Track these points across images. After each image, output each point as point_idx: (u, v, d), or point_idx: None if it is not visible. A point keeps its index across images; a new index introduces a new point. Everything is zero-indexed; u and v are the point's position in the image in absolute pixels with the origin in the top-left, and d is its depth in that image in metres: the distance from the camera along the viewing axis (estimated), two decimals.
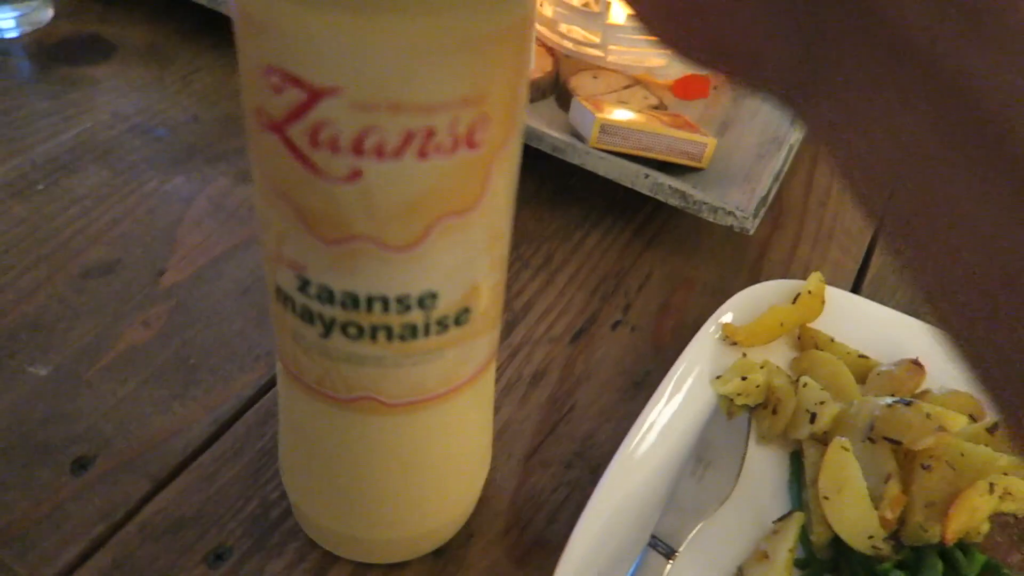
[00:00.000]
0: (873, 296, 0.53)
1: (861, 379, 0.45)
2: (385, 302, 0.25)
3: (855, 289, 0.55)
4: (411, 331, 0.26)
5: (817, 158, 0.66)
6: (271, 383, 0.43)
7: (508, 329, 0.48)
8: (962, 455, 0.37)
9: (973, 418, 0.41)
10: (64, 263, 0.47)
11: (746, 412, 0.43)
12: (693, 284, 0.53)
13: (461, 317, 0.26)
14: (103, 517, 0.36)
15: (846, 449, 0.36)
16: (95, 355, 0.43)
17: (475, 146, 0.22)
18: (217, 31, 0.67)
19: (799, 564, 0.37)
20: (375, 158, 0.21)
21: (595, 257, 0.54)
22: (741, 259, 0.55)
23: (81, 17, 0.68)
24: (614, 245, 0.55)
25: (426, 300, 0.25)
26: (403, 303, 0.25)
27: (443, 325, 0.26)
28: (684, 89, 0.68)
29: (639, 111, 0.60)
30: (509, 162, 0.24)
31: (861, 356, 0.45)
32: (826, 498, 0.36)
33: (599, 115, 0.55)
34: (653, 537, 0.36)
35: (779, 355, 0.46)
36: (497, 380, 0.45)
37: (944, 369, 0.46)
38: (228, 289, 0.47)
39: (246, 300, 0.47)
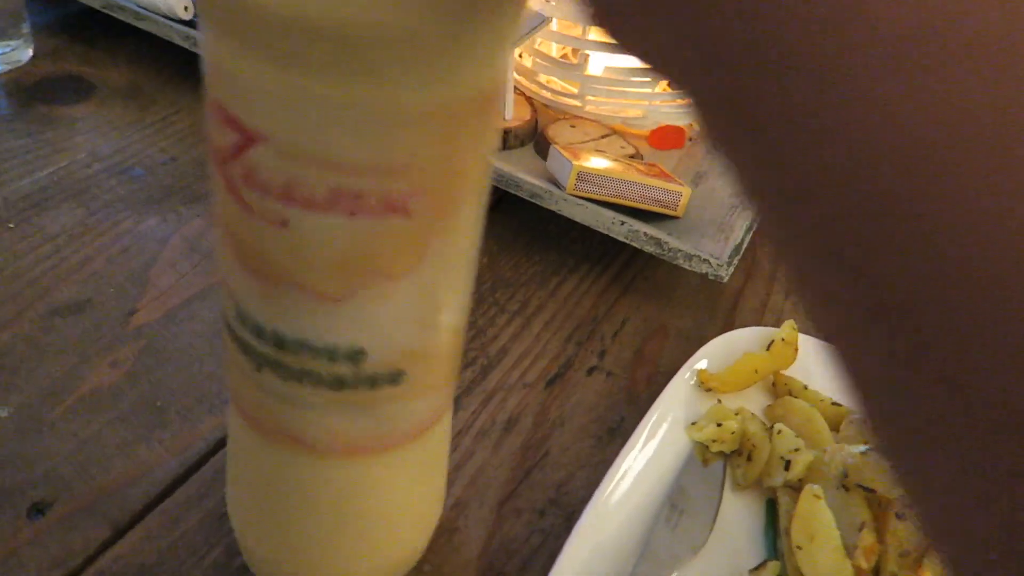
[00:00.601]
0: None
1: (835, 426, 0.45)
2: (312, 349, 0.24)
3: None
4: (339, 382, 0.25)
5: None
6: None
7: (483, 374, 0.47)
8: None
9: None
10: (32, 301, 0.46)
11: (721, 459, 0.42)
12: (668, 331, 0.53)
13: (396, 378, 0.25)
14: (59, 564, 0.35)
15: (818, 497, 0.36)
16: (60, 396, 0.42)
17: (408, 214, 0.21)
18: (197, 74, 0.68)
19: None
20: (303, 208, 0.21)
21: (571, 303, 0.54)
22: (715, 307, 0.56)
23: (61, 57, 0.68)
24: (590, 291, 0.55)
25: (355, 355, 0.24)
26: (330, 354, 0.24)
27: (374, 382, 0.25)
28: (660, 139, 0.69)
29: (616, 160, 0.61)
30: (458, 233, 0.24)
31: (835, 403, 0.45)
32: (799, 548, 0.35)
33: (576, 163, 0.56)
34: None
35: (754, 402, 0.46)
36: (470, 426, 0.44)
37: None
38: (199, 331, 0.46)
39: (217, 342, 0.46)
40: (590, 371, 0.49)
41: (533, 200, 0.55)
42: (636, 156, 0.65)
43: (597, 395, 0.48)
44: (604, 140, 0.66)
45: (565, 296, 0.54)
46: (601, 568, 0.36)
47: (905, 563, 0.35)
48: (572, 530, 0.36)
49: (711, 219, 0.57)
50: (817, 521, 0.36)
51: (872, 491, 0.37)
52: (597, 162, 0.59)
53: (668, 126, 0.69)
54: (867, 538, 0.36)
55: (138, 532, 0.37)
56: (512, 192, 0.55)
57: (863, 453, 0.39)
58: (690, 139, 0.70)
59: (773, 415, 0.45)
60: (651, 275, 0.57)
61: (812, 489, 0.37)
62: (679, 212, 0.58)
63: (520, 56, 0.68)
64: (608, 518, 0.38)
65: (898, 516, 0.37)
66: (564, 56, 0.66)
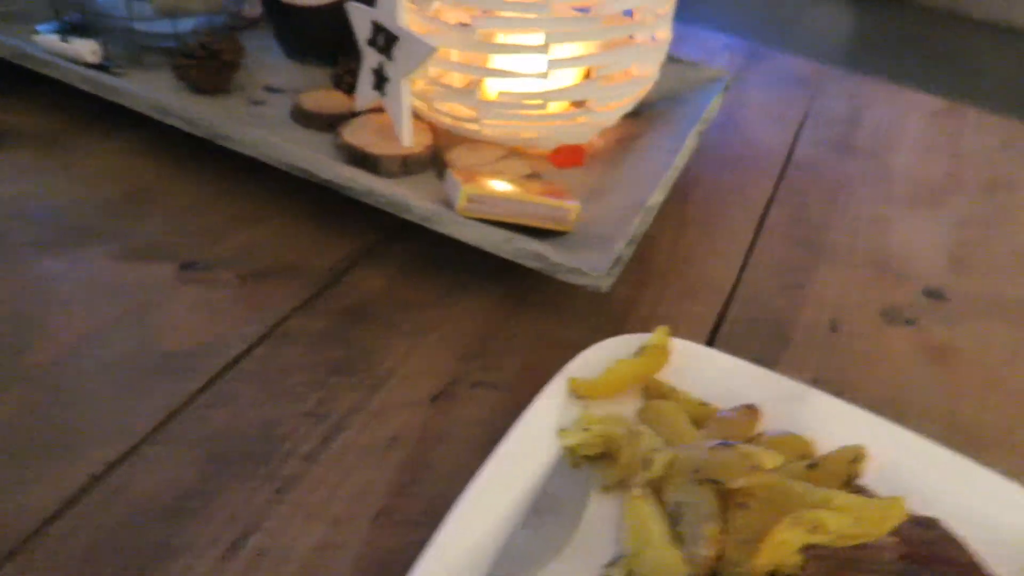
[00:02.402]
0: (727, 346, 0.56)
1: (702, 425, 0.47)
2: None
3: (710, 341, 0.58)
4: None
5: (682, 221, 0.70)
6: (123, 458, 0.43)
7: (369, 394, 0.49)
8: (777, 492, 0.39)
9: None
10: None
11: (589, 463, 0.44)
12: (557, 344, 0.55)
13: None
14: None
15: (639, 498, 0.38)
16: None
17: None
18: (105, 118, 0.70)
19: None
20: None
21: (463, 322, 0.56)
22: (606, 318, 0.58)
23: None
24: (482, 309, 0.57)
25: None
26: None
27: None
28: (560, 158, 0.72)
29: (512, 180, 0.64)
30: None
31: (702, 403, 0.48)
32: (629, 549, 0.37)
33: (465, 185, 0.58)
34: None
35: (627, 406, 0.48)
36: (354, 443, 0.46)
37: (779, 414, 0.48)
38: (90, 369, 0.48)
39: (107, 378, 0.47)
40: (475, 386, 0.51)
41: (424, 223, 0.57)
42: (534, 176, 0.67)
43: (481, 409, 0.50)
44: (502, 162, 0.69)
45: (457, 315, 0.56)
46: (460, 570, 0.37)
47: (745, 550, 0.37)
48: (432, 536, 0.38)
49: (599, 233, 0.60)
50: (643, 520, 0.37)
51: (718, 483, 0.40)
52: (489, 183, 0.61)
53: (568, 146, 0.72)
54: (711, 528, 0.38)
55: (16, 566, 0.38)
56: (402, 216, 0.57)
57: (712, 448, 0.41)
58: (591, 156, 0.73)
59: (643, 418, 0.47)
60: (543, 290, 0.60)
61: (634, 491, 0.38)
62: (570, 228, 0.60)
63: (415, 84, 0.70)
64: (472, 523, 0.39)
65: (740, 505, 0.39)
66: (469, 85, 0.69)
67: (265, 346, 0.51)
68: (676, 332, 0.51)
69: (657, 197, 0.63)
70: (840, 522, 0.38)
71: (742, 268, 0.66)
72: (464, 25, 0.64)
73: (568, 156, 0.72)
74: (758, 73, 1.03)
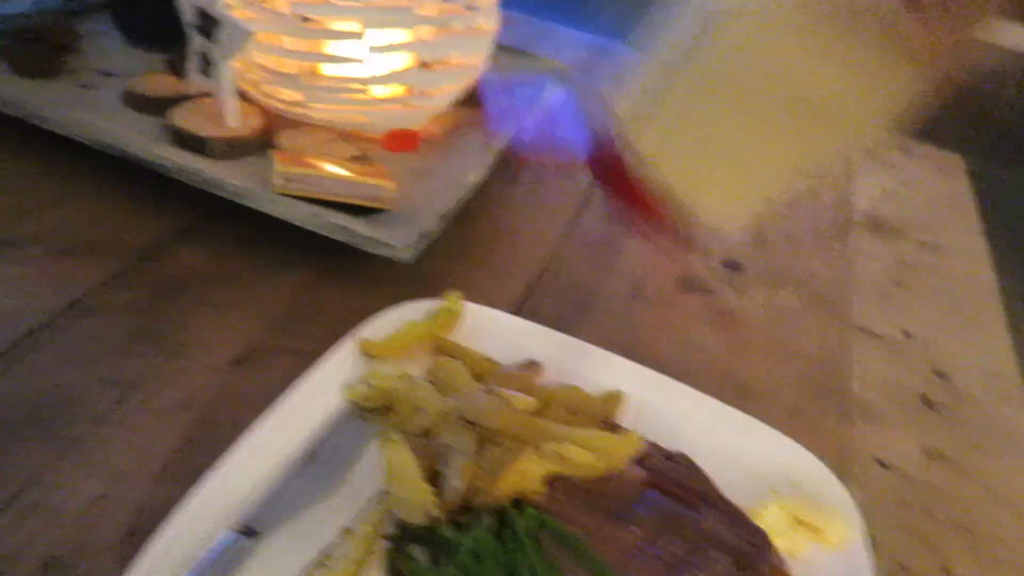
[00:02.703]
0: (533, 315, 0.60)
1: (487, 380, 0.50)
2: None
3: (518, 310, 0.61)
4: None
5: (506, 200, 0.74)
6: None
7: (168, 360, 0.51)
8: (528, 430, 0.43)
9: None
10: None
11: (373, 415, 0.47)
12: (367, 313, 0.58)
13: None
14: None
15: (393, 440, 0.41)
16: None
17: None
18: None
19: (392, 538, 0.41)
20: None
21: (276, 294, 0.58)
22: (417, 290, 0.61)
23: None
24: (296, 283, 0.59)
25: None
26: None
27: None
28: (393, 143, 0.74)
29: (336, 162, 0.66)
30: None
31: (488, 360, 0.51)
32: (387, 492, 0.40)
33: (280, 164, 0.60)
34: (239, 523, 0.39)
35: (420, 366, 0.51)
36: (147, 405, 0.48)
37: (564, 370, 0.52)
38: None
39: None
40: (280, 352, 0.53)
41: (236, 200, 0.59)
42: (362, 158, 0.70)
43: (283, 373, 0.52)
44: (331, 144, 0.71)
45: (272, 289, 0.58)
46: (222, 511, 0.40)
47: (490, 480, 0.41)
48: (200, 480, 0.40)
49: (415, 211, 0.63)
50: (398, 463, 0.41)
51: (477, 424, 0.43)
52: (310, 164, 0.63)
53: (400, 130, 0.75)
54: (466, 464, 0.42)
55: None
56: (218, 194, 0.59)
57: (476, 396, 0.44)
58: (426, 141, 0.76)
59: (429, 374, 0.50)
60: (358, 266, 0.62)
61: (387, 433, 0.42)
62: (388, 205, 0.63)
63: (249, 72, 0.72)
64: (239, 470, 0.42)
65: (494, 442, 0.42)
66: (295, 69, 0.71)
67: (66, 318, 0.52)
68: (486, 302, 0.55)
69: (474, 177, 0.67)
70: (579, 454, 0.42)
71: (560, 244, 0.70)
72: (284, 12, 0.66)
73: (401, 141, 0.75)
74: (604, 67, 1.09)
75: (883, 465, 0.54)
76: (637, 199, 0.35)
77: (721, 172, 0.32)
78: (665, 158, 0.33)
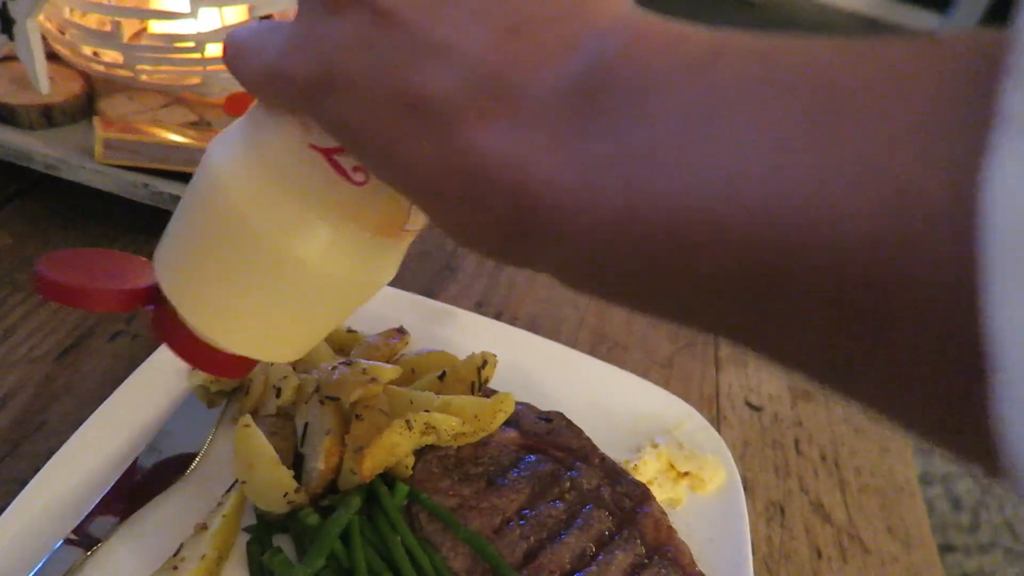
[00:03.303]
0: (397, 281, 0.57)
1: (350, 352, 0.47)
2: None
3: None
4: None
5: None
6: None
7: None
8: (394, 402, 0.40)
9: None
10: None
11: (224, 399, 0.43)
12: None
13: None
14: None
15: (247, 426, 0.38)
16: None
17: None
18: None
19: (253, 531, 0.38)
20: None
21: None
22: None
23: None
24: None
25: None
26: None
27: None
28: (235, 106, 0.69)
29: (173, 128, 0.60)
30: None
31: (350, 331, 0.48)
32: (243, 482, 0.37)
33: (101, 131, 0.54)
34: (73, 533, 0.35)
35: None
36: None
37: (431, 335, 0.50)
38: None
39: None
40: (113, 337, 0.48)
41: (50, 172, 0.52)
42: (200, 123, 0.64)
43: (117, 359, 0.47)
44: (164, 110, 0.65)
45: None
46: (49, 519, 0.35)
47: (357, 458, 0.38)
48: (24, 488, 0.35)
49: None
50: (251, 448, 0.37)
51: (337, 399, 0.40)
52: (139, 130, 0.57)
53: (243, 92, 0.69)
54: (327, 442, 0.38)
55: None
56: (25, 166, 0.52)
57: (333, 368, 0.41)
58: None
59: None
60: None
61: (243, 419, 0.38)
62: None
63: (63, 31, 0.64)
64: (71, 471, 0.37)
65: (357, 417, 0.39)
66: (101, 23, 0.64)
67: None
68: None
69: None
70: (449, 422, 0.39)
71: None
72: None
73: (243, 104, 0.69)
74: None
75: (753, 407, 0.55)
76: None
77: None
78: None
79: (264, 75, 0.24)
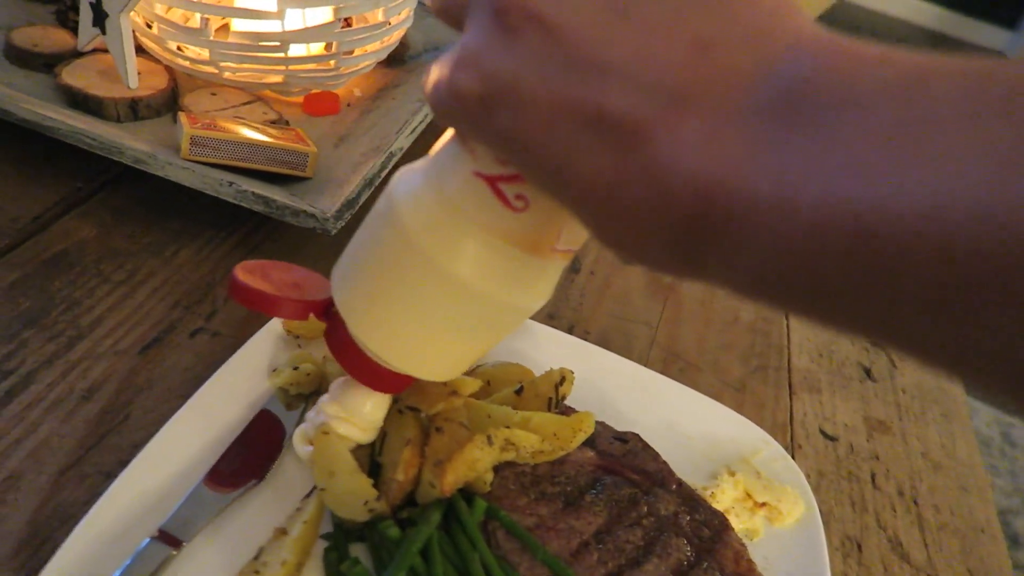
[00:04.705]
0: None
1: None
2: None
3: None
4: None
5: None
6: None
7: (68, 346, 0.45)
8: (474, 416, 0.40)
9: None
10: None
11: (303, 401, 0.43)
12: None
13: None
14: None
15: (327, 433, 0.38)
16: None
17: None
18: None
19: (331, 538, 0.38)
20: None
21: (186, 269, 0.53)
22: None
23: None
24: (210, 257, 0.54)
25: None
26: None
27: None
28: (313, 105, 0.69)
29: (252, 126, 0.61)
30: None
31: None
32: (322, 489, 0.37)
33: (188, 128, 0.55)
34: (160, 530, 0.35)
35: None
36: (44, 398, 0.42)
37: (502, 346, 0.49)
38: None
39: None
40: (194, 333, 0.49)
41: (138, 166, 0.53)
42: (279, 122, 0.65)
43: (197, 356, 0.47)
44: (246, 107, 0.66)
45: (180, 263, 0.53)
46: (135, 516, 0.35)
47: (437, 470, 0.38)
48: (112, 483, 0.36)
49: (338, 178, 0.58)
50: (332, 455, 0.37)
51: (417, 410, 0.40)
52: (222, 127, 0.58)
53: (321, 92, 0.70)
54: (407, 453, 0.38)
55: None
56: (116, 159, 0.53)
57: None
58: (348, 104, 0.71)
59: None
60: (279, 238, 0.57)
61: (322, 426, 0.38)
62: (308, 173, 0.59)
63: (150, 25, 0.66)
64: (156, 468, 0.37)
65: (437, 429, 0.39)
66: (197, 22, 0.65)
67: None
68: None
69: (401, 143, 0.62)
70: (529, 439, 0.39)
71: None
72: None
73: (321, 103, 0.70)
74: None
75: (828, 436, 0.53)
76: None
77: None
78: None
79: (438, 94, 0.24)
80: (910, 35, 3.65)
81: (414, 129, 0.65)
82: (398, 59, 0.78)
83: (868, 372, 0.60)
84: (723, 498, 0.43)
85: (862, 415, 0.56)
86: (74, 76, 0.61)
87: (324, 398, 0.39)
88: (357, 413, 0.38)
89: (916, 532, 0.48)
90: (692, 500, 0.41)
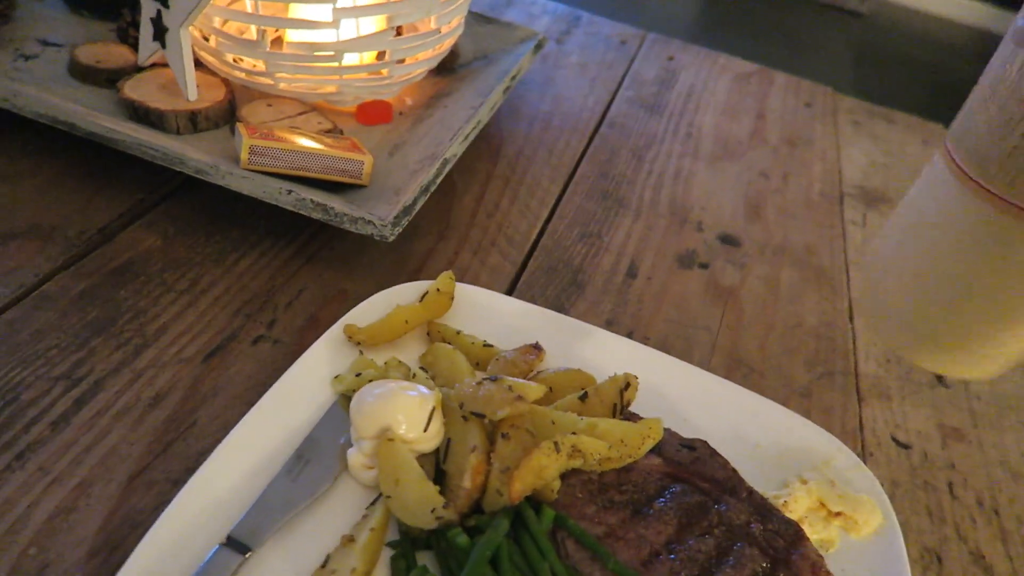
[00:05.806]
0: (526, 295, 0.56)
1: (486, 366, 0.46)
2: None
3: (510, 290, 0.57)
4: None
5: (490, 176, 0.70)
6: None
7: (135, 354, 0.46)
8: (540, 422, 0.39)
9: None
10: None
11: None
12: (347, 296, 0.53)
13: None
14: None
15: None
16: None
17: None
18: None
19: (398, 546, 0.37)
20: None
21: (246, 278, 0.53)
22: (401, 271, 0.57)
23: None
24: (270, 265, 0.55)
25: None
26: None
27: None
28: (366, 115, 0.70)
29: (308, 136, 0.61)
30: None
31: (486, 345, 0.47)
32: (388, 496, 0.37)
33: (247, 138, 0.55)
34: (229, 537, 0.35)
35: (410, 351, 0.47)
36: (112, 406, 0.43)
37: (565, 352, 0.49)
38: None
39: None
40: (256, 341, 0.49)
41: (199, 176, 0.54)
42: (334, 131, 0.65)
43: (259, 363, 0.47)
44: (301, 117, 0.66)
45: (241, 271, 0.54)
46: (204, 523, 0.35)
47: (505, 478, 0.37)
48: (181, 489, 0.36)
49: (393, 186, 0.58)
50: (397, 464, 0.37)
51: (483, 416, 0.39)
52: (279, 137, 0.58)
53: (374, 101, 0.70)
54: (473, 459, 0.38)
55: None
56: (178, 170, 0.54)
57: (478, 384, 0.40)
58: (400, 113, 0.71)
59: (425, 361, 0.46)
60: (336, 246, 0.58)
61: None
62: (365, 180, 0.59)
63: (207, 38, 0.67)
64: (224, 475, 0.37)
65: (503, 436, 0.39)
66: (255, 34, 0.65)
67: (16, 310, 0.47)
68: (477, 282, 0.51)
69: (454, 150, 0.62)
70: (597, 446, 0.38)
71: (547, 221, 0.66)
72: None
73: (374, 112, 0.70)
74: (580, 36, 1.04)
75: (900, 444, 0.52)
76: None
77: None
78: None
79: None
80: (954, 35, 3.56)
81: (467, 136, 0.65)
82: (448, 67, 0.78)
83: (940, 378, 0.58)
84: (796, 507, 0.41)
85: (935, 422, 0.54)
86: (136, 90, 0.62)
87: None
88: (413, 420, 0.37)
89: (999, 544, 0.46)
90: (764, 509, 0.40)
